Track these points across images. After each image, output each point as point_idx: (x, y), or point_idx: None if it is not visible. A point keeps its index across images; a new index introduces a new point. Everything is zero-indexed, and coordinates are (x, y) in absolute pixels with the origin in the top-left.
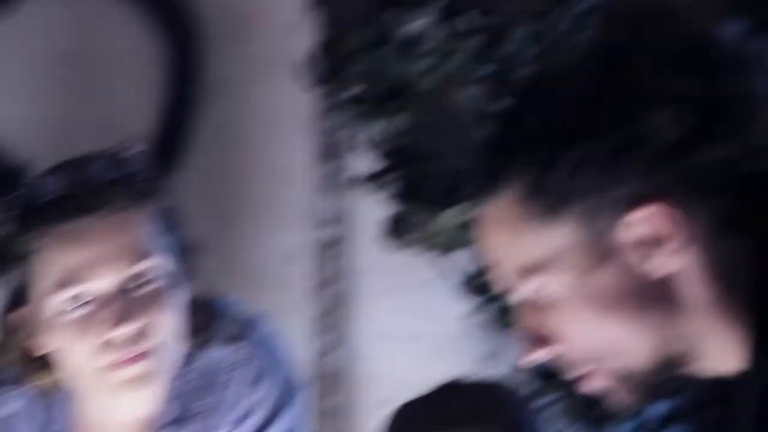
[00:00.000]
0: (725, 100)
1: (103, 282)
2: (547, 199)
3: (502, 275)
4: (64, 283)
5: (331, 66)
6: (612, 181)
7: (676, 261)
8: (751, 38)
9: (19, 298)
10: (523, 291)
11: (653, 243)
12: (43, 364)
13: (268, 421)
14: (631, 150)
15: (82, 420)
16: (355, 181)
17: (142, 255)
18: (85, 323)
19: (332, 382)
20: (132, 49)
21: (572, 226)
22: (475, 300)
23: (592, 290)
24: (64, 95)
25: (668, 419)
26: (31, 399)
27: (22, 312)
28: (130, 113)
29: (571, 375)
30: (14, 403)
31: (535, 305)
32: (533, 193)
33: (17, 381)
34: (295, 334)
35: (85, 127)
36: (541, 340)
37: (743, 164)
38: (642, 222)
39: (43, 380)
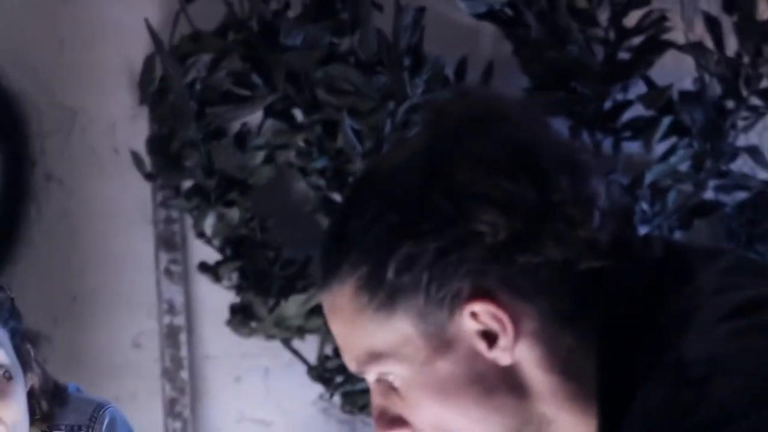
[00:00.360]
0: (556, 203)
1: None
2: (380, 294)
3: (346, 360)
4: None
5: (165, 159)
6: (438, 280)
7: (511, 354)
8: (575, 138)
9: None
10: (367, 377)
11: (486, 338)
12: None
13: None
14: (458, 250)
15: None
16: (199, 270)
17: None
18: None
19: None
20: None
21: (407, 320)
22: (323, 386)
23: (432, 380)
24: None
25: None
26: None
27: None
28: None
29: None
30: None
31: (383, 387)
32: (365, 287)
33: None
34: (146, 419)
35: None
36: (390, 422)
37: (575, 263)
38: (472, 319)
39: None
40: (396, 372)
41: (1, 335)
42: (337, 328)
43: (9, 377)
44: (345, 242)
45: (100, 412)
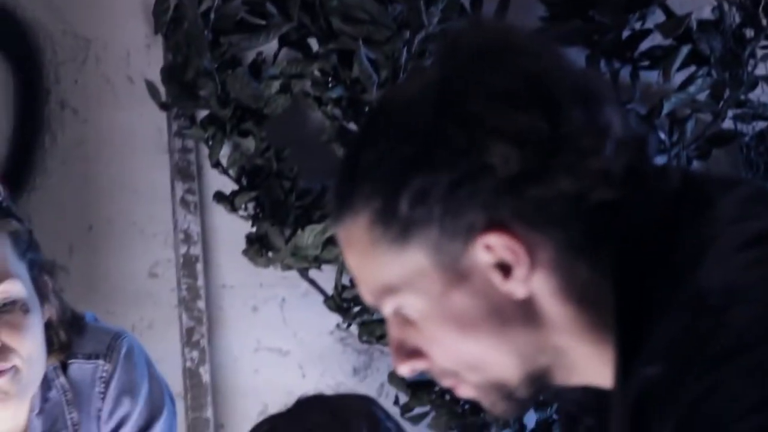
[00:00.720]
0: (568, 134)
1: None
2: (395, 226)
3: (362, 293)
4: None
5: (180, 88)
6: (452, 212)
7: (526, 285)
8: (593, 68)
9: None
10: (383, 310)
11: (501, 269)
12: None
13: None
14: (470, 182)
15: None
16: (215, 200)
17: (2, 277)
18: None
19: (201, 396)
20: None
21: (422, 252)
22: (340, 315)
23: (447, 312)
24: None
25: (541, 428)
26: None
27: None
28: None
29: (443, 384)
30: None
31: (400, 319)
32: (380, 219)
33: None
34: (163, 349)
35: None
36: (407, 353)
37: (588, 194)
38: (486, 251)
39: None
40: (412, 304)
41: (19, 268)
42: (352, 260)
43: (26, 310)
44: (358, 175)
45: (118, 341)
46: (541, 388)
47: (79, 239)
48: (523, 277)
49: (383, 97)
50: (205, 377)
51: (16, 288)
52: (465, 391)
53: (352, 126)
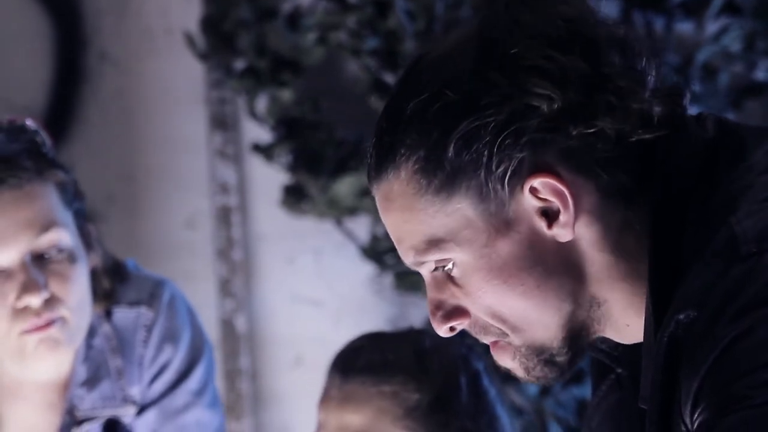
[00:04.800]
0: (607, 75)
1: (9, 253)
2: (440, 175)
3: (402, 250)
4: None
5: (217, 39)
6: (498, 156)
7: (571, 231)
8: (627, 18)
9: None
10: (425, 265)
11: (545, 215)
12: None
13: (180, 379)
14: (515, 124)
15: None
16: (251, 150)
17: (47, 227)
18: None
19: (236, 345)
20: (19, 25)
21: (467, 201)
22: (375, 265)
23: (492, 263)
24: None
25: (574, 379)
26: None
27: None
28: (17, 88)
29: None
30: None
31: (439, 277)
32: (425, 169)
33: None
34: (199, 299)
35: None
36: (448, 311)
37: (627, 135)
38: (532, 195)
39: None
40: (456, 257)
41: (66, 217)
42: (392, 217)
43: (73, 260)
44: (400, 126)
45: (160, 289)
46: (578, 351)
47: (118, 190)
48: (569, 221)
49: (423, 48)
50: (241, 327)
51: (64, 237)
52: (505, 358)
53: (388, 77)
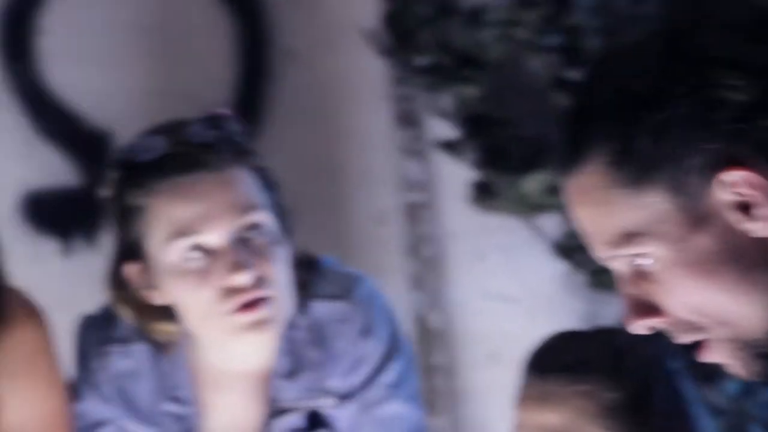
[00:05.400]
0: None
1: (215, 233)
2: (633, 168)
3: (596, 245)
4: (177, 235)
5: (399, 36)
6: (692, 149)
7: (767, 224)
8: None
9: (130, 253)
10: (618, 260)
11: (743, 208)
12: (160, 315)
13: (377, 372)
14: (707, 115)
15: (199, 372)
16: (438, 147)
17: (249, 209)
18: (203, 272)
19: (429, 342)
20: (204, 24)
21: (661, 193)
22: (566, 262)
23: (690, 257)
24: (142, 66)
25: None
26: (146, 354)
27: (136, 266)
28: (205, 84)
29: (682, 342)
30: (129, 358)
31: (634, 274)
32: (618, 162)
33: (131, 337)
34: (390, 296)
35: (161, 96)
36: (643, 309)
37: None
38: (729, 188)
39: (160, 332)
40: (652, 252)
41: (267, 201)
42: (585, 211)
43: (276, 242)
44: (591, 120)
45: (358, 284)
46: None
47: (306, 186)
48: (764, 215)
49: (610, 44)
50: (434, 323)
51: (266, 219)
52: (710, 354)
53: (569, 73)
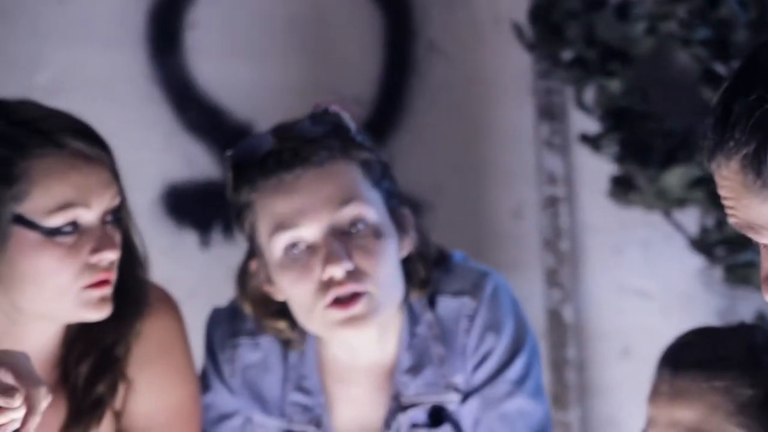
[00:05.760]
0: None
1: (313, 227)
2: (761, 177)
3: (731, 221)
4: (279, 230)
5: (545, 29)
6: None
7: None
8: None
9: (252, 249)
10: (757, 240)
11: None
12: (277, 312)
13: (501, 368)
14: None
15: (325, 364)
16: (579, 141)
17: (349, 202)
18: (303, 266)
19: (562, 336)
20: (349, 16)
21: None
22: (704, 257)
23: None
24: (287, 60)
25: None
26: (274, 346)
27: (256, 261)
28: (347, 79)
29: None
30: (258, 351)
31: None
32: (748, 168)
33: (260, 329)
34: (525, 289)
35: (305, 90)
36: None
37: None
38: None
39: (275, 329)
40: None
41: (371, 195)
42: (724, 192)
43: (378, 235)
44: (730, 120)
45: (484, 280)
46: None
47: (446, 179)
48: None
49: (760, 44)
50: (568, 318)
51: (367, 211)
52: None
53: (719, 67)
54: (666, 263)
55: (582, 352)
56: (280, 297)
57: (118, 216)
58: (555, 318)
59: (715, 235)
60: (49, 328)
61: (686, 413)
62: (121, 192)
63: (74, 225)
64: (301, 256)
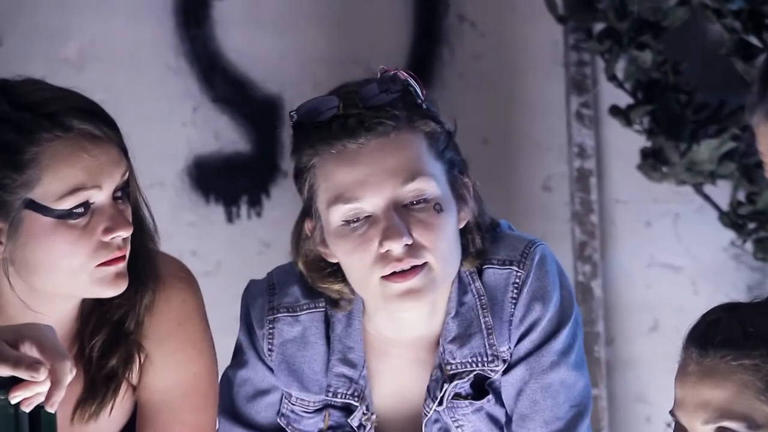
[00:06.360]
0: None
1: (374, 200)
2: None
3: None
4: (339, 201)
5: (578, 1)
6: None
7: None
8: None
9: (308, 210)
10: None
11: None
12: (332, 273)
13: (547, 339)
14: None
15: (369, 336)
16: (610, 113)
17: (412, 176)
18: (361, 237)
19: (592, 310)
20: None
21: None
22: (735, 232)
23: None
24: (316, 31)
25: None
26: (315, 321)
27: (311, 223)
28: (377, 50)
29: None
30: (297, 326)
31: None
32: None
33: (300, 304)
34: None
35: (333, 62)
36: None
37: None
38: None
39: (331, 290)
40: None
41: (435, 167)
42: (762, 148)
43: (439, 209)
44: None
45: (531, 249)
46: None
47: (475, 152)
48: None
49: None
50: (597, 291)
51: (430, 186)
52: None
53: (752, 39)
54: (696, 237)
55: (611, 327)
56: (334, 259)
57: (127, 190)
58: (584, 292)
59: (746, 209)
60: (66, 304)
61: (716, 393)
62: (129, 166)
63: (86, 206)
64: (359, 227)
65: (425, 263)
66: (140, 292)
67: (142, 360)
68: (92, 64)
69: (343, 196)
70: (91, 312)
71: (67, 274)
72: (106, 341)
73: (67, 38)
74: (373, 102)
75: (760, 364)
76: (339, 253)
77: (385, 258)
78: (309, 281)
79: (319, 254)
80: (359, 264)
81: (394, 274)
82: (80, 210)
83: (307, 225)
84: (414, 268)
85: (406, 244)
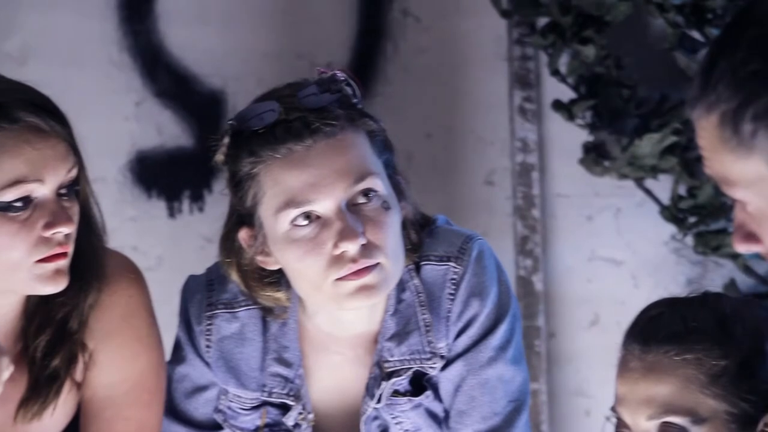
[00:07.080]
0: None
1: (326, 202)
2: (737, 137)
3: (706, 169)
4: (289, 205)
5: None
6: None
7: None
8: None
9: (244, 218)
10: (729, 194)
11: None
12: (269, 281)
13: (485, 334)
14: None
15: (306, 335)
16: (553, 108)
17: (365, 174)
18: (313, 240)
19: (533, 304)
20: None
21: (762, 162)
22: (675, 226)
23: None
24: (259, 26)
25: None
26: (253, 318)
27: (249, 231)
28: (320, 45)
29: None
30: (235, 322)
31: (741, 205)
32: (727, 124)
33: (238, 301)
34: (497, 256)
35: (277, 57)
36: (745, 235)
37: None
38: None
39: (268, 298)
40: (749, 201)
41: (378, 166)
42: (701, 142)
43: (387, 207)
44: (714, 74)
45: (469, 244)
46: None
47: (418, 146)
48: None
49: (745, 7)
50: (538, 285)
51: (378, 185)
52: None
53: (695, 33)
54: (637, 232)
55: (551, 321)
56: (274, 267)
57: (76, 188)
58: (525, 286)
59: (687, 203)
60: (8, 300)
61: (659, 388)
62: (79, 163)
63: (27, 200)
64: (310, 231)
65: (378, 263)
66: (85, 291)
67: (86, 359)
68: (34, 59)
69: (294, 200)
70: (36, 310)
71: (5, 268)
72: (49, 341)
73: (9, 33)
74: (315, 103)
75: (703, 357)
76: (287, 259)
77: (339, 259)
78: (245, 291)
79: (257, 264)
80: (312, 268)
81: (348, 275)
82: (20, 204)
83: (242, 235)
84: (367, 267)
85: (362, 245)
